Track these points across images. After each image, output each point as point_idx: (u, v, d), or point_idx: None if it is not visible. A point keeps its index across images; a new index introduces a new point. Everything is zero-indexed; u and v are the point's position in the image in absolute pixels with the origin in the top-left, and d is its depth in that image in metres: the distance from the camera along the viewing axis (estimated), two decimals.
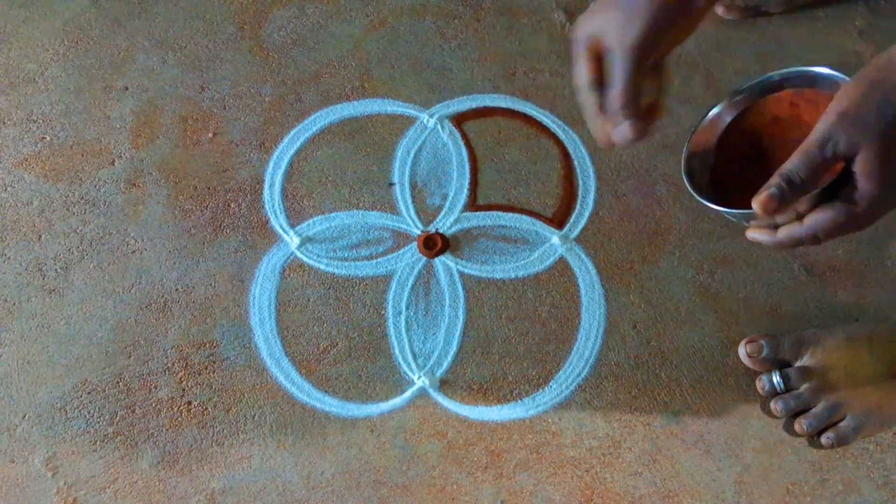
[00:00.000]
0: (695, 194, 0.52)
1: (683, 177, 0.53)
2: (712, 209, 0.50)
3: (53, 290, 0.74)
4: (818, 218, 0.46)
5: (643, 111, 0.47)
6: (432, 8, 0.88)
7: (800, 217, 0.47)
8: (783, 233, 0.48)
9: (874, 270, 0.74)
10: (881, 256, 0.75)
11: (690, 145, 0.55)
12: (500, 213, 0.78)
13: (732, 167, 0.55)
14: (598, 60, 0.47)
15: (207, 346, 0.72)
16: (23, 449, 0.69)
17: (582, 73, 0.47)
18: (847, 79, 0.49)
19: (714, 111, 0.56)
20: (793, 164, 0.44)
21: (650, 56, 0.46)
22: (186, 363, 0.71)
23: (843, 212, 0.45)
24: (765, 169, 0.47)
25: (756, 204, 0.45)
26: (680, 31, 0.46)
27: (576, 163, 0.80)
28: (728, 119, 0.56)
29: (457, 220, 0.77)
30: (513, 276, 0.75)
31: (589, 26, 0.47)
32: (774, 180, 0.44)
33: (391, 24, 0.87)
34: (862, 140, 0.42)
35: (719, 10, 0.85)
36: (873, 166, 0.43)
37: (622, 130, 0.47)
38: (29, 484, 0.67)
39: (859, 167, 0.43)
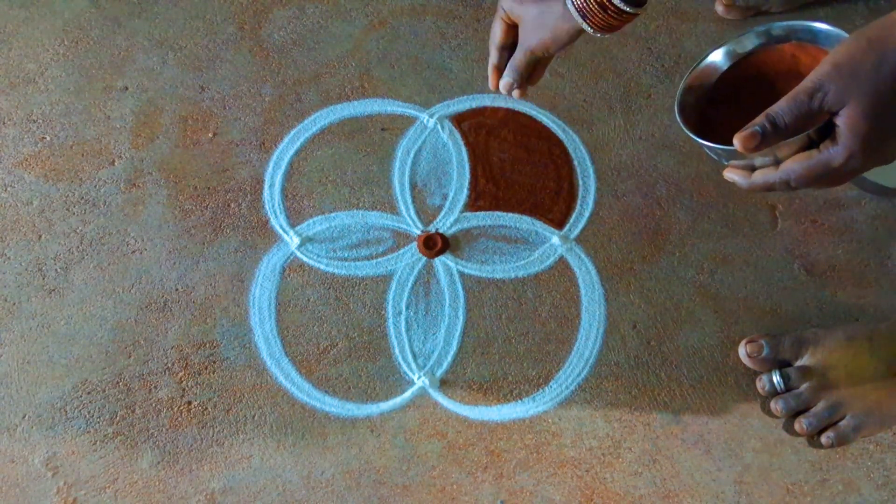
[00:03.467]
0: (683, 126, 0.52)
1: (675, 108, 0.54)
2: (697, 142, 0.51)
3: (53, 290, 0.74)
4: (794, 165, 0.46)
5: (525, 80, 0.64)
6: (432, 8, 0.88)
7: (778, 163, 0.47)
8: (758, 175, 0.49)
9: (874, 270, 0.74)
10: (881, 256, 0.75)
11: (687, 81, 0.56)
12: (500, 213, 0.78)
13: (723, 108, 0.55)
14: (510, 28, 0.62)
15: (207, 346, 0.72)
16: (23, 449, 0.69)
17: (496, 35, 0.63)
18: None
19: (715, 53, 0.56)
20: (780, 107, 0.44)
21: (543, 56, 0.62)
22: (186, 363, 0.71)
23: (819, 163, 0.45)
24: (753, 114, 0.47)
25: (737, 140, 0.45)
26: (568, 46, 0.62)
27: (576, 163, 0.80)
28: (728, 62, 0.56)
29: (457, 220, 0.77)
30: (513, 276, 0.75)
31: (512, 5, 0.60)
32: (759, 119, 0.45)
33: (391, 24, 0.87)
34: (851, 94, 0.42)
35: (719, 9, 0.85)
36: (857, 122, 0.43)
37: (506, 86, 0.63)
38: (29, 484, 0.67)
39: (844, 121, 0.43)
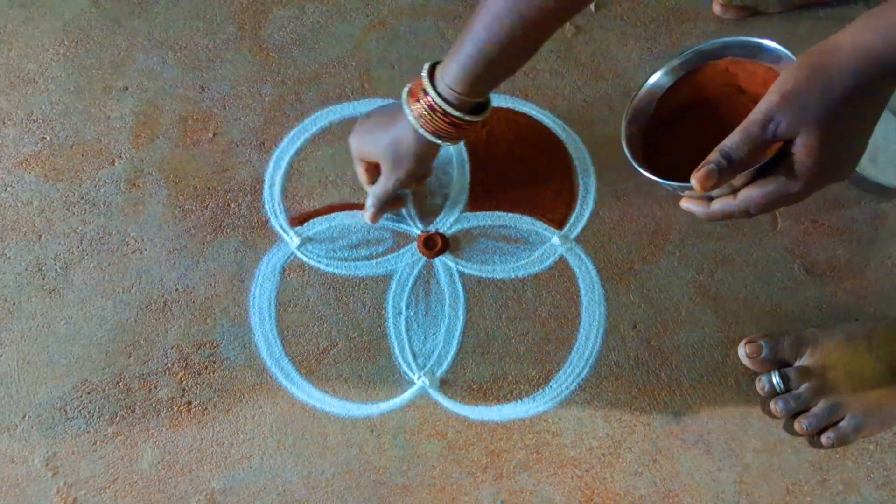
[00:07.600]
0: (632, 161, 0.52)
1: (623, 142, 0.53)
2: (650, 178, 0.50)
3: (53, 290, 0.74)
4: (752, 193, 0.47)
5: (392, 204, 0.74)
6: (432, 8, 0.88)
7: (734, 191, 0.48)
8: (716, 205, 0.49)
9: (874, 270, 0.75)
10: (881, 256, 0.75)
11: (630, 110, 0.55)
12: (500, 213, 0.78)
13: (666, 131, 0.55)
14: (372, 166, 0.70)
15: (207, 346, 0.72)
16: (23, 449, 0.69)
17: (361, 178, 0.72)
18: (788, 53, 0.49)
19: (655, 76, 0.56)
20: (733, 141, 0.45)
21: (413, 184, 0.71)
22: (186, 363, 0.71)
23: (776, 189, 0.46)
24: (696, 134, 0.47)
25: (695, 180, 0.45)
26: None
27: (576, 163, 0.80)
28: (668, 84, 0.56)
29: (457, 220, 0.77)
30: (513, 276, 0.75)
31: (363, 151, 0.68)
32: (714, 156, 0.45)
33: (391, 24, 0.87)
34: (802, 124, 0.43)
35: (717, 9, 0.85)
36: (811, 150, 0.43)
37: (377, 218, 0.74)
38: (29, 484, 0.67)
39: (798, 150, 0.44)
